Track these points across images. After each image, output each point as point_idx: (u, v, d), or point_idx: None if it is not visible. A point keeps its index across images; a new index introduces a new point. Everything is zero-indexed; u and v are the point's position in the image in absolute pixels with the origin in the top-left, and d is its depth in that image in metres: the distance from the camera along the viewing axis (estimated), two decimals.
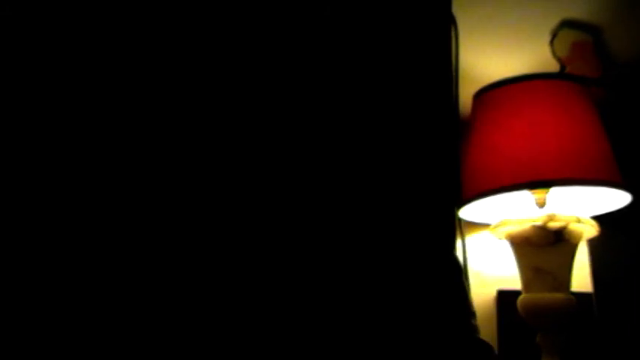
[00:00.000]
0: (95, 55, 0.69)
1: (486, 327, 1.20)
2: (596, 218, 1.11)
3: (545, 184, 1.03)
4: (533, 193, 1.08)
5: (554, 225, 1.05)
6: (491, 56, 1.30)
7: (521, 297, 1.09)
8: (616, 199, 1.11)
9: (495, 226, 1.10)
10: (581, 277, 1.23)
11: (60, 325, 0.60)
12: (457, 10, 1.17)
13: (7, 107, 0.67)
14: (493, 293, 1.24)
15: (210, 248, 0.64)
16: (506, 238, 1.10)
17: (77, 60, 0.69)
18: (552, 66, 1.30)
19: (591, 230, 1.09)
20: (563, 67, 1.30)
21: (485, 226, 1.16)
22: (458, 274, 0.74)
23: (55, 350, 0.60)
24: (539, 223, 1.06)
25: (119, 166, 0.66)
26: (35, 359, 0.59)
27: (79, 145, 0.67)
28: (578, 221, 1.06)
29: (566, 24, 1.31)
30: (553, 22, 1.31)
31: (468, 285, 0.84)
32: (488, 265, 1.24)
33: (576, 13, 1.31)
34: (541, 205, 1.08)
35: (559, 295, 1.05)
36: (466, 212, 1.13)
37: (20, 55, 0.68)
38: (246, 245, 0.64)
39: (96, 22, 0.69)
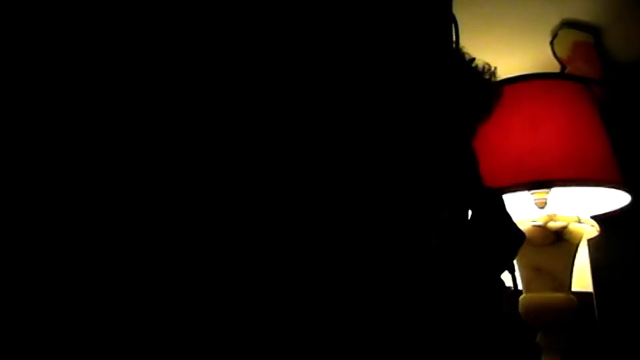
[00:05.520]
0: (95, 55, 0.69)
1: None
2: (596, 218, 1.11)
3: (545, 184, 1.04)
4: (533, 194, 1.08)
5: (554, 225, 1.05)
6: (492, 56, 1.30)
7: (521, 297, 1.09)
8: (616, 199, 1.11)
9: None
10: (581, 277, 1.23)
11: (60, 325, 0.61)
12: (457, 10, 1.17)
13: (7, 107, 0.67)
14: None
15: (209, 247, 0.64)
16: None
17: (77, 60, 0.69)
18: (553, 66, 1.30)
19: (591, 230, 1.09)
20: (563, 67, 1.30)
21: None
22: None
23: (55, 350, 0.60)
24: (539, 222, 1.06)
25: (119, 166, 0.66)
26: (35, 359, 0.59)
27: (78, 144, 0.67)
28: (579, 221, 1.06)
29: (567, 24, 1.31)
30: (553, 22, 1.31)
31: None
32: None
33: (577, 13, 1.31)
34: (541, 205, 1.08)
35: (559, 295, 1.06)
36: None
37: (20, 55, 0.68)
38: (244, 244, 0.65)
39: (96, 22, 0.70)
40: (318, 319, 0.63)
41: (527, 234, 1.07)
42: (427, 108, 0.77)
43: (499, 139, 1.07)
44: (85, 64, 0.68)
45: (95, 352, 0.60)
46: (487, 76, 0.85)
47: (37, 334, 0.60)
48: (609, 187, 1.06)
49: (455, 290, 0.69)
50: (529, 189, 1.06)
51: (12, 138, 0.66)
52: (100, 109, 0.67)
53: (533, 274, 1.07)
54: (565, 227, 1.05)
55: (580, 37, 1.30)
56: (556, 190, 1.08)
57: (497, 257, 0.74)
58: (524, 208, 1.12)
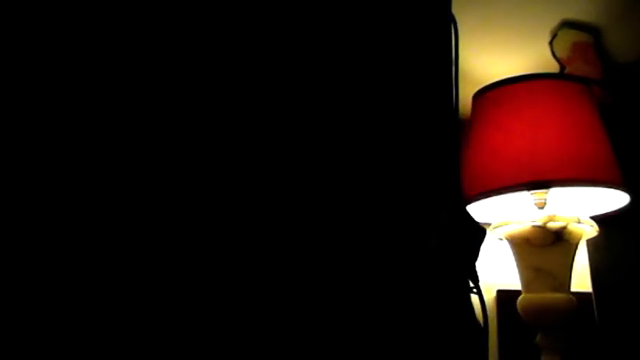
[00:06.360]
0: (95, 55, 0.69)
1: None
2: (596, 218, 1.11)
3: (545, 184, 1.03)
4: (533, 194, 1.08)
5: (554, 225, 1.05)
6: (491, 56, 1.30)
7: (521, 297, 1.09)
8: (615, 199, 1.11)
9: (495, 226, 1.11)
10: (581, 277, 1.23)
11: (60, 325, 0.61)
12: (457, 10, 1.17)
13: (7, 107, 0.67)
14: (493, 293, 1.24)
15: (210, 248, 0.64)
16: (507, 238, 1.10)
17: (76, 60, 0.69)
18: (552, 66, 1.30)
19: (591, 230, 1.09)
20: (563, 67, 1.30)
21: (486, 226, 1.16)
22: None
23: (54, 350, 0.60)
24: (539, 223, 1.06)
25: (119, 166, 0.66)
26: (35, 359, 0.59)
27: (79, 144, 0.67)
28: (578, 221, 1.06)
29: (567, 24, 1.31)
30: (553, 22, 1.31)
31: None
32: (489, 265, 1.25)
33: (576, 13, 1.31)
34: (541, 206, 1.08)
35: (559, 295, 1.06)
36: None
37: (20, 55, 0.68)
38: (245, 244, 0.65)
39: (96, 22, 0.70)
40: (318, 318, 0.63)
41: (527, 234, 1.08)
42: (427, 108, 0.77)
43: (498, 139, 1.07)
44: (85, 63, 0.68)
45: (95, 352, 0.60)
46: None
47: (37, 334, 0.60)
48: (609, 187, 1.06)
49: (455, 290, 0.69)
50: (529, 189, 1.06)
51: (12, 138, 0.66)
52: (99, 108, 0.67)
53: (533, 275, 1.07)
54: (565, 227, 1.05)
55: (580, 37, 1.30)
56: (556, 191, 1.08)
57: (462, 253, 0.73)
58: (524, 208, 1.12)
